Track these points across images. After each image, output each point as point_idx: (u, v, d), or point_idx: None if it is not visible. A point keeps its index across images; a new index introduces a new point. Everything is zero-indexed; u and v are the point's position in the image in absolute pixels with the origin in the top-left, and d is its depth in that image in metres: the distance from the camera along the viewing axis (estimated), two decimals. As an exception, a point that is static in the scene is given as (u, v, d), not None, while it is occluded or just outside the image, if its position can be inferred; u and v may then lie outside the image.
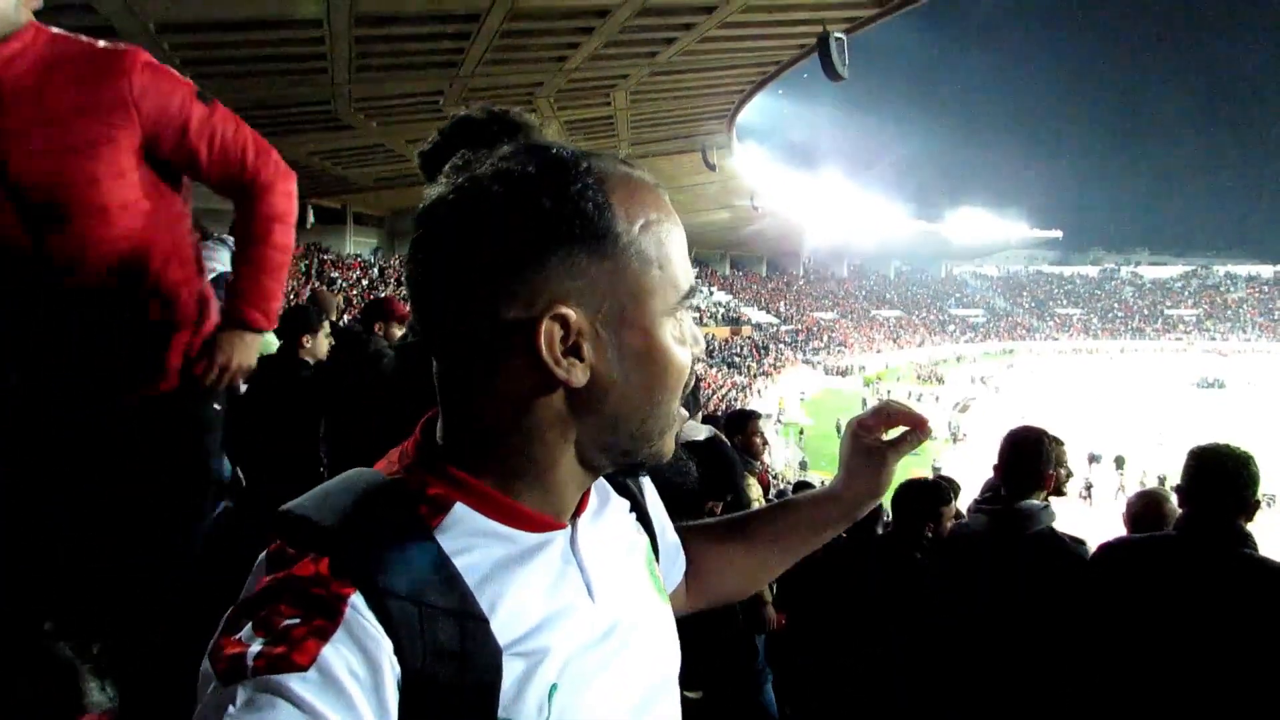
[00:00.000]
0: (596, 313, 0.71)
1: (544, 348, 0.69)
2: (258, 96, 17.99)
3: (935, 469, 29.32)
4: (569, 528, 0.79)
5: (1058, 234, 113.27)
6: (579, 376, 0.71)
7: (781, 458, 30.34)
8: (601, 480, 0.88)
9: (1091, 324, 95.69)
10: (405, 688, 0.62)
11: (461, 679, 0.65)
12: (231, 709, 0.56)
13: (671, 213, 0.76)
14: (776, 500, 1.21)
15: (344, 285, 31.01)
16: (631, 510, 0.94)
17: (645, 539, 0.94)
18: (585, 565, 0.78)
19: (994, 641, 2.87)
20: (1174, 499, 3.35)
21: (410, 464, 0.76)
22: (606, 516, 0.87)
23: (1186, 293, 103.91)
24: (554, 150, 0.72)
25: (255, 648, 0.58)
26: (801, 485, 8.06)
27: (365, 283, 33.67)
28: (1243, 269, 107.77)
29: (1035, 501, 2.90)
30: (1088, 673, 2.57)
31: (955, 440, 39.19)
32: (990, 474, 4.62)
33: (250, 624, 0.60)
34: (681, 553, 1.10)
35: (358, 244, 39.40)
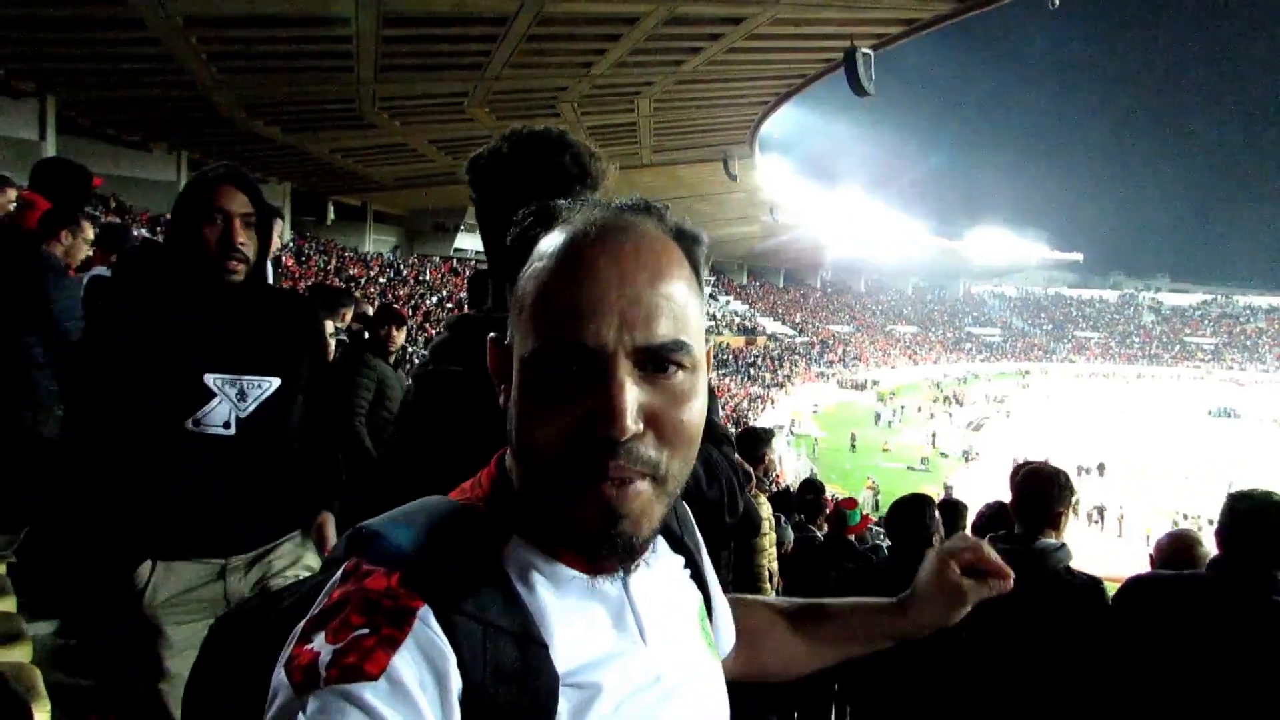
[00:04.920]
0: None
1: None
2: (283, 93, 18.15)
3: (947, 487, 29.17)
4: (622, 571, 0.77)
5: (1078, 257, 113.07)
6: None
7: (793, 470, 30.19)
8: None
9: (1109, 348, 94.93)
10: (466, 703, 0.64)
11: (520, 700, 0.66)
12: (301, 716, 0.58)
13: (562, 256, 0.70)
14: (841, 600, 1.16)
15: (363, 283, 31.15)
16: (686, 567, 0.93)
17: (699, 596, 0.93)
18: (638, 609, 0.78)
19: (1014, 679, 2.84)
20: (1205, 541, 3.32)
21: (483, 494, 0.79)
22: (660, 567, 0.86)
23: (1206, 321, 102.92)
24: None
25: (327, 656, 0.60)
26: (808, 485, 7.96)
27: (384, 280, 33.81)
28: (1263, 300, 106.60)
29: (1052, 540, 2.89)
30: (1110, 711, 2.54)
31: (967, 460, 39.01)
32: (989, 499, 4.62)
33: (322, 634, 0.62)
34: (732, 622, 1.08)
35: (377, 242, 39.65)
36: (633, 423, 0.66)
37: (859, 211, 63.86)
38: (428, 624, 0.63)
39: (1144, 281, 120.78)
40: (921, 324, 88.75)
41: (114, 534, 2.01)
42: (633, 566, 0.77)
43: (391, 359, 4.95)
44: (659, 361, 0.68)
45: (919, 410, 52.70)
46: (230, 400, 2.10)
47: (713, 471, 1.41)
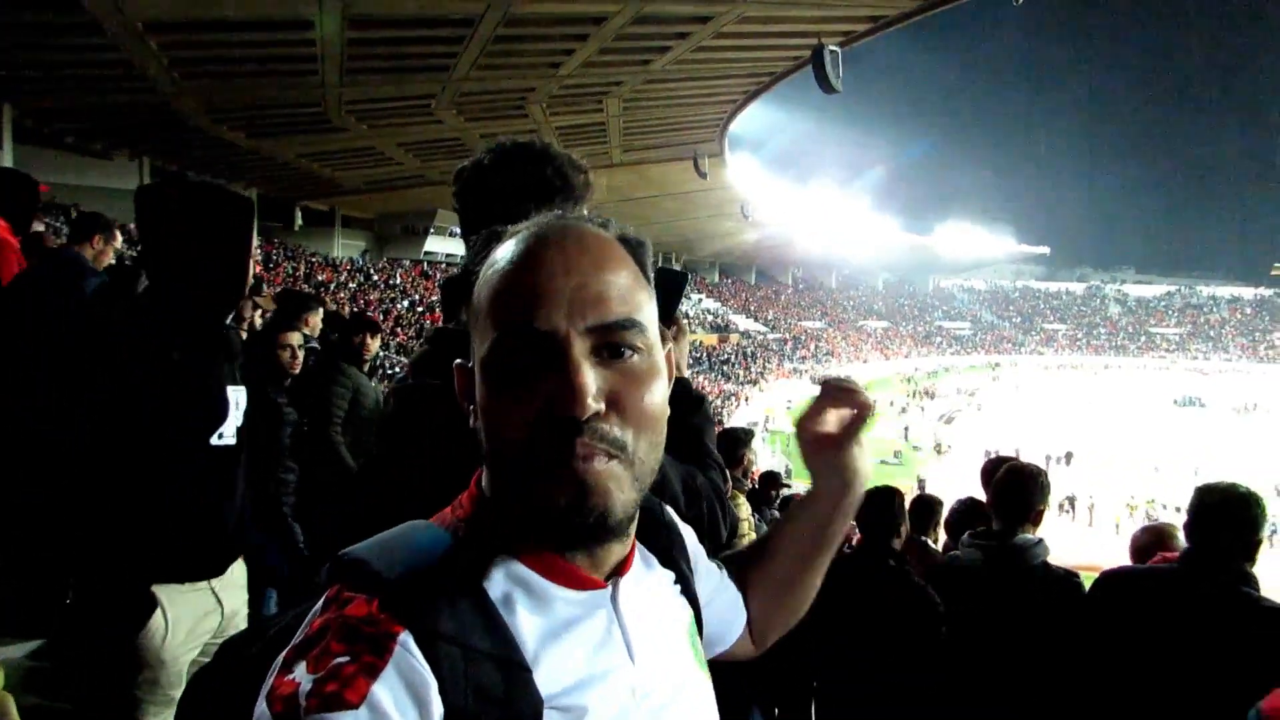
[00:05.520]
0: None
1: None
2: (247, 97, 17.93)
3: (920, 480, 29.43)
4: (609, 587, 0.78)
5: (1045, 250, 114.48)
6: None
7: (766, 465, 30.30)
8: (644, 548, 0.88)
9: (1076, 339, 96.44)
10: None
11: None
12: None
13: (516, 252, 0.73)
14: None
15: (333, 288, 30.86)
16: (677, 583, 0.92)
17: (689, 613, 0.92)
18: (626, 626, 0.78)
19: (994, 672, 2.90)
20: (1180, 534, 3.40)
21: (464, 515, 0.78)
22: (648, 583, 0.86)
23: (1170, 312, 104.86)
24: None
25: (307, 686, 0.60)
26: (786, 500, 8.03)
27: (354, 285, 33.52)
28: (1225, 290, 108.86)
29: (1030, 536, 2.98)
30: (1087, 702, 2.59)
31: (940, 452, 39.37)
32: (962, 490, 4.69)
33: (303, 663, 0.62)
34: (741, 603, 1.10)
35: (346, 246, 39.27)
36: (594, 401, 0.67)
37: (830, 208, 64.17)
38: (409, 650, 0.63)
39: (1110, 273, 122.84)
40: (892, 319, 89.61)
41: (122, 550, 1.96)
42: (615, 566, 0.78)
43: (366, 367, 4.90)
44: (614, 346, 0.70)
45: (891, 404, 53.15)
46: (236, 411, 2.09)
47: (694, 494, 1.40)
